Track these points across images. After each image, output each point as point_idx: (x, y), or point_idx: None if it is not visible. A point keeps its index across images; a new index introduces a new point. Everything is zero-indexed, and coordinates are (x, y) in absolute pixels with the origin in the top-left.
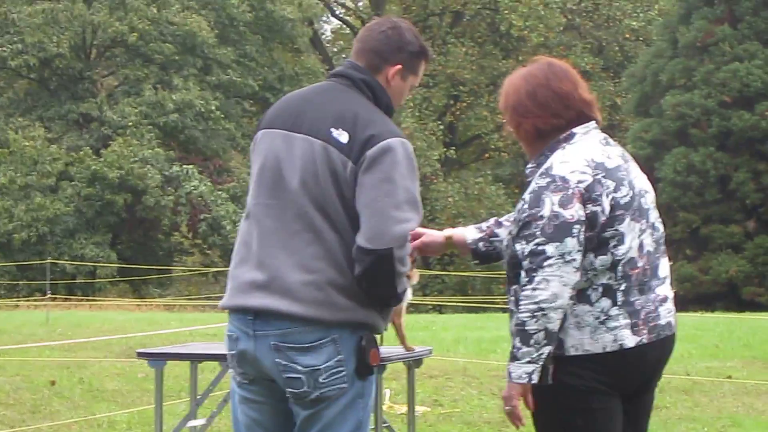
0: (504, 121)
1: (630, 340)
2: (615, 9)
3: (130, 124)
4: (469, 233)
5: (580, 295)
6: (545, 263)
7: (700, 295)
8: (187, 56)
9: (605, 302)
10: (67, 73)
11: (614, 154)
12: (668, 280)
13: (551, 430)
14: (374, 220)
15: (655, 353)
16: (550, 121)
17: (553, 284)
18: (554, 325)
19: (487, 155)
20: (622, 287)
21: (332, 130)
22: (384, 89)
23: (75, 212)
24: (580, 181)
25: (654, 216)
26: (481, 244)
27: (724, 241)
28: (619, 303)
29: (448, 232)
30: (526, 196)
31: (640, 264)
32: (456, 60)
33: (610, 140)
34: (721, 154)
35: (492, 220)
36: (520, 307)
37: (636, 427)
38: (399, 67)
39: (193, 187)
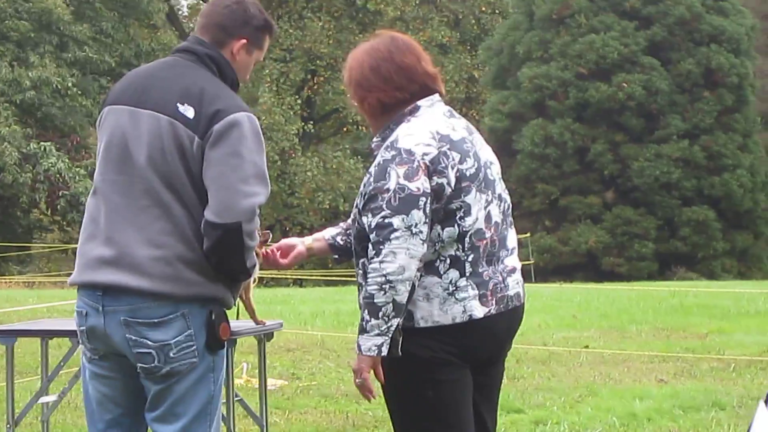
0: (348, 96)
1: (479, 311)
2: None
3: None
4: (326, 232)
5: (429, 267)
6: (392, 236)
7: (560, 266)
8: (43, 33)
9: (453, 273)
10: None
11: (459, 127)
12: (516, 251)
13: (402, 402)
14: (221, 195)
15: (504, 324)
16: (394, 94)
17: (400, 256)
18: (402, 298)
19: (345, 129)
20: (470, 258)
21: (178, 105)
22: (229, 64)
23: None
24: (425, 154)
25: (500, 187)
26: (338, 238)
27: (583, 212)
28: (467, 274)
29: (309, 240)
30: (372, 169)
31: (487, 235)
32: (313, 34)
33: (455, 113)
34: (579, 125)
35: (350, 219)
36: (367, 280)
37: (488, 398)
38: (244, 41)
39: (51, 164)
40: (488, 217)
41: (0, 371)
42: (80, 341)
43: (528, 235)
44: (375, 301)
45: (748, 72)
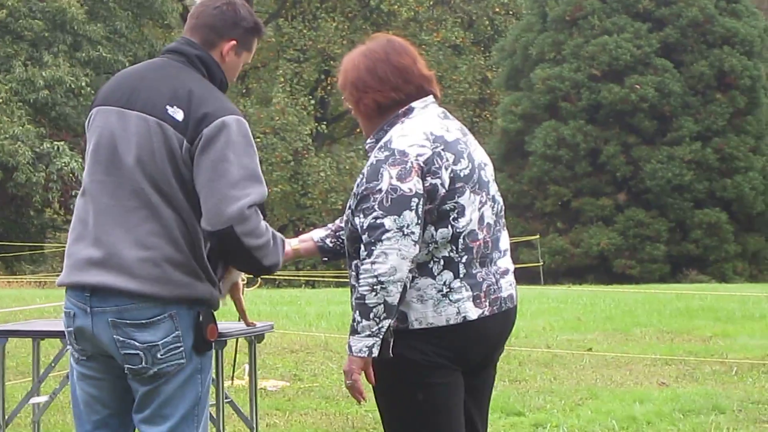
0: (343, 98)
1: (473, 312)
2: None
3: (0, 100)
4: (315, 234)
5: (423, 269)
6: (383, 236)
7: (572, 268)
8: (57, 33)
9: (447, 275)
10: None
11: (453, 128)
12: (509, 253)
13: (392, 404)
14: (210, 202)
15: (497, 326)
16: (390, 95)
17: (392, 257)
18: (393, 299)
19: (358, 130)
20: (464, 260)
21: (167, 107)
22: (218, 65)
23: None
24: (419, 155)
25: (494, 189)
26: (328, 240)
27: (595, 214)
28: (461, 275)
29: (295, 242)
30: (365, 169)
31: (480, 236)
32: (326, 35)
33: (449, 114)
34: (591, 127)
35: (339, 219)
36: (359, 281)
37: (478, 401)
38: (233, 42)
39: (64, 164)
40: (481, 219)
41: None
42: (68, 342)
43: (538, 236)
44: (366, 302)
45: (760, 74)
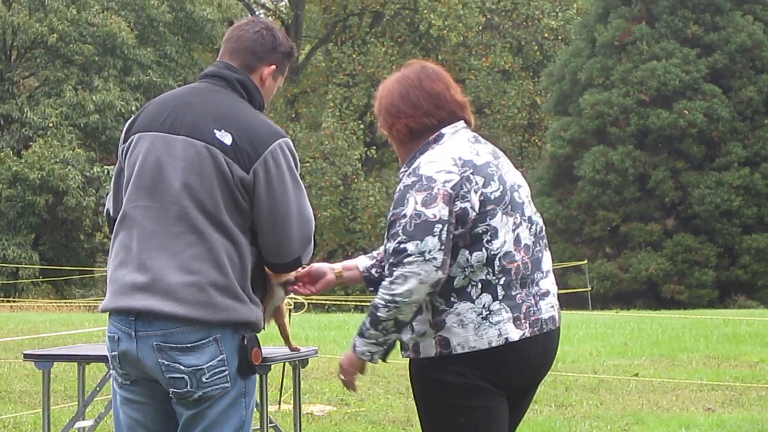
0: (379, 125)
1: (514, 334)
2: (534, 8)
3: (51, 125)
4: (360, 262)
5: (461, 293)
6: (405, 260)
7: (620, 293)
8: (107, 57)
9: (486, 298)
10: None
11: (483, 151)
12: (551, 274)
13: (434, 427)
14: (274, 240)
15: (539, 348)
16: (422, 120)
17: (411, 281)
18: (405, 317)
19: None
20: (502, 281)
21: (215, 131)
22: (258, 89)
23: None
24: (446, 181)
25: (530, 210)
26: (373, 270)
27: (644, 239)
28: (499, 297)
29: (338, 267)
30: (395, 196)
31: (517, 258)
32: (376, 60)
33: (481, 138)
34: (640, 152)
35: (382, 247)
36: (378, 293)
37: (514, 423)
38: (273, 67)
39: None
40: (518, 240)
41: (53, 394)
42: (111, 366)
43: (586, 262)
44: (378, 314)
45: None
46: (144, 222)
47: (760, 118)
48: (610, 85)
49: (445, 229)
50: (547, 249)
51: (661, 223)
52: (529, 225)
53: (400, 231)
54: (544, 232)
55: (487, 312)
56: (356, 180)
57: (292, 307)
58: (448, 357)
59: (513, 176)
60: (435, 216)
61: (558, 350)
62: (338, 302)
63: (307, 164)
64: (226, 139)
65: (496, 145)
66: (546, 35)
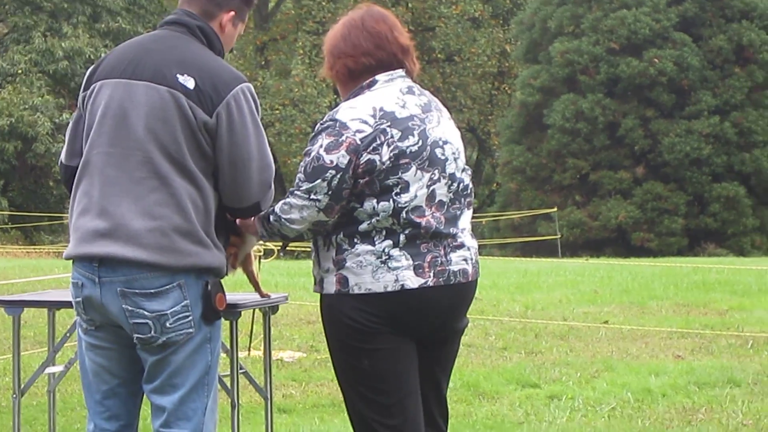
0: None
1: (413, 281)
2: None
3: (20, 71)
4: None
5: (364, 237)
6: (296, 193)
7: (590, 241)
8: (76, 4)
9: (387, 243)
10: None
11: (412, 104)
12: (467, 231)
13: (342, 371)
14: (234, 184)
15: (445, 298)
16: (360, 60)
17: (294, 212)
18: (288, 235)
19: None
20: (407, 232)
21: (177, 76)
22: (218, 36)
23: None
24: (358, 131)
25: (453, 167)
26: None
27: (613, 187)
28: (400, 245)
29: None
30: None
31: (427, 213)
32: (345, 7)
33: (416, 89)
34: (610, 100)
35: None
36: (276, 203)
37: (445, 369)
38: (232, 13)
39: None
40: (431, 196)
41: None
42: (76, 312)
43: (555, 209)
44: (270, 218)
45: None
46: (106, 168)
47: (729, 66)
48: (580, 33)
49: (338, 176)
50: (470, 208)
51: (630, 171)
52: (450, 182)
53: (301, 167)
54: (469, 191)
55: (387, 257)
56: None
57: (261, 254)
58: (347, 295)
59: (440, 131)
60: (332, 162)
61: (474, 301)
62: (308, 249)
63: (277, 111)
64: (189, 83)
65: (466, 92)
66: None
